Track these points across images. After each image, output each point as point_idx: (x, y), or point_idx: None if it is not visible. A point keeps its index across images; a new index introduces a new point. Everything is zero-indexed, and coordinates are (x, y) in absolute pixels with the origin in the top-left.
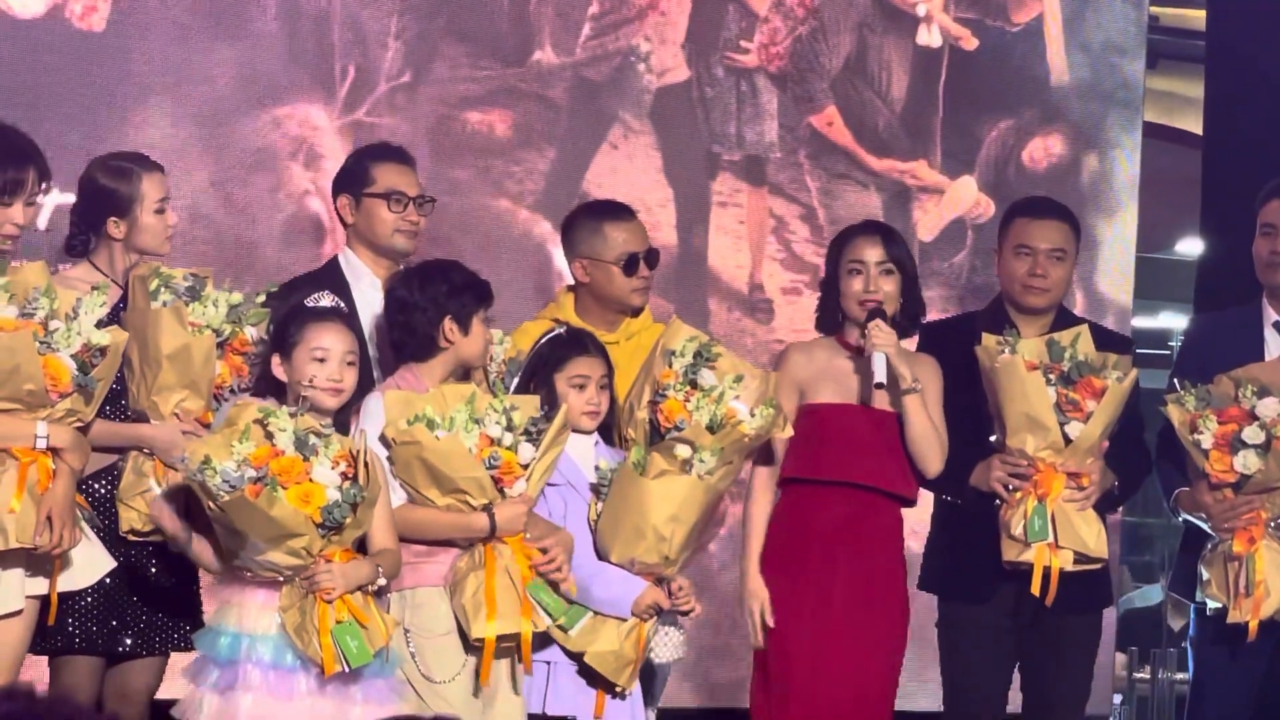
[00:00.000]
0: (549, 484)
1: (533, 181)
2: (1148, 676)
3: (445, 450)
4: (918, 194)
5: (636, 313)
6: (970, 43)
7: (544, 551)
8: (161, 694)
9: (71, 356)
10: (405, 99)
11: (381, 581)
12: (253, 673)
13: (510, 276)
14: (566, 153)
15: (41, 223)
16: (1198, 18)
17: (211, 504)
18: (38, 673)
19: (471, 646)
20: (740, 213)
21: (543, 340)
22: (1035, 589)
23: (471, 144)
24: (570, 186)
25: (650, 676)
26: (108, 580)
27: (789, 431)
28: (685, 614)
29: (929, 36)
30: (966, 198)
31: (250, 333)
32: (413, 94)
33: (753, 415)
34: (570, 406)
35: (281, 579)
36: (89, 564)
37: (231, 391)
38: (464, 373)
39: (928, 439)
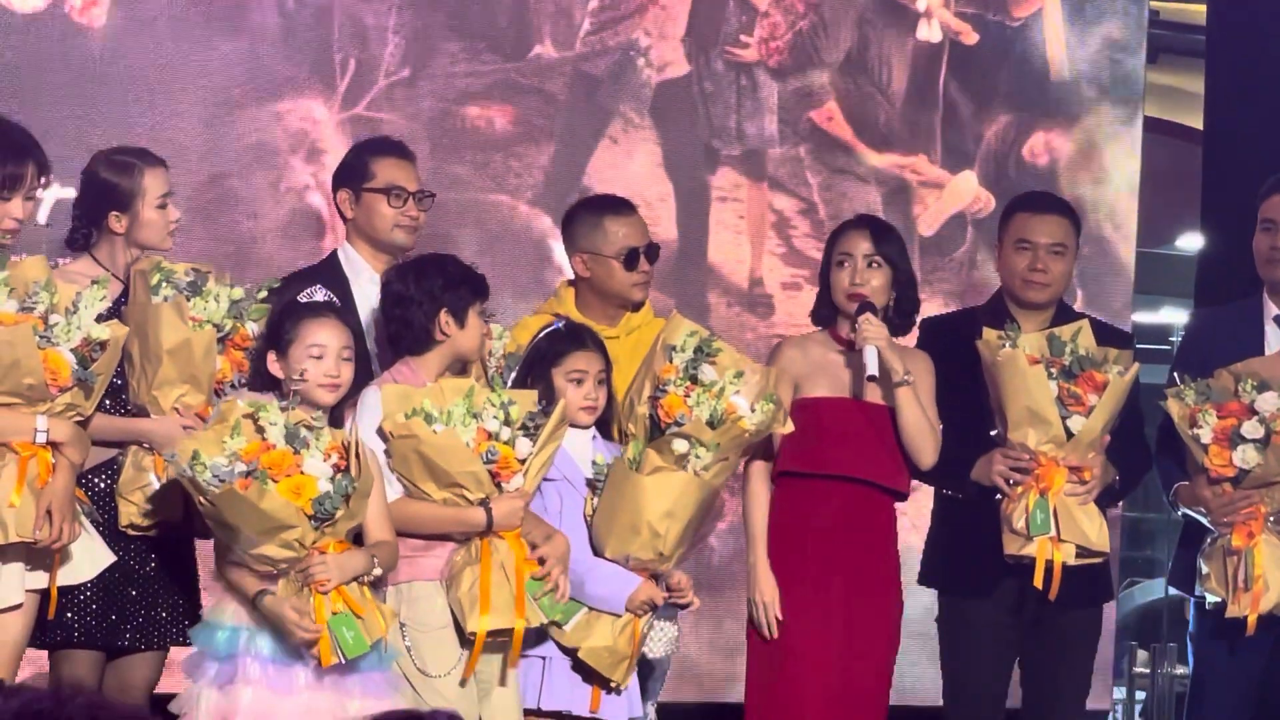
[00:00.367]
0: (545, 479)
1: (532, 176)
2: (1148, 671)
3: (442, 444)
4: (918, 189)
5: (637, 307)
6: (970, 37)
7: (541, 562)
8: (161, 688)
9: (71, 351)
10: (405, 94)
11: (377, 571)
12: (252, 666)
13: (510, 271)
14: (566, 147)
15: (41, 217)
16: (1198, 12)
17: (202, 499)
18: (37, 667)
19: (467, 641)
20: (740, 207)
21: (540, 335)
22: (1037, 583)
23: (471, 139)
24: (570, 181)
25: (647, 672)
26: (107, 574)
27: (789, 427)
28: (683, 608)
29: (929, 31)
30: (967, 193)
31: (251, 328)
32: (412, 88)
33: (753, 411)
34: (567, 401)
35: (275, 571)
36: (89, 558)
37: (232, 386)
38: (461, 367)
39: (921, 431)
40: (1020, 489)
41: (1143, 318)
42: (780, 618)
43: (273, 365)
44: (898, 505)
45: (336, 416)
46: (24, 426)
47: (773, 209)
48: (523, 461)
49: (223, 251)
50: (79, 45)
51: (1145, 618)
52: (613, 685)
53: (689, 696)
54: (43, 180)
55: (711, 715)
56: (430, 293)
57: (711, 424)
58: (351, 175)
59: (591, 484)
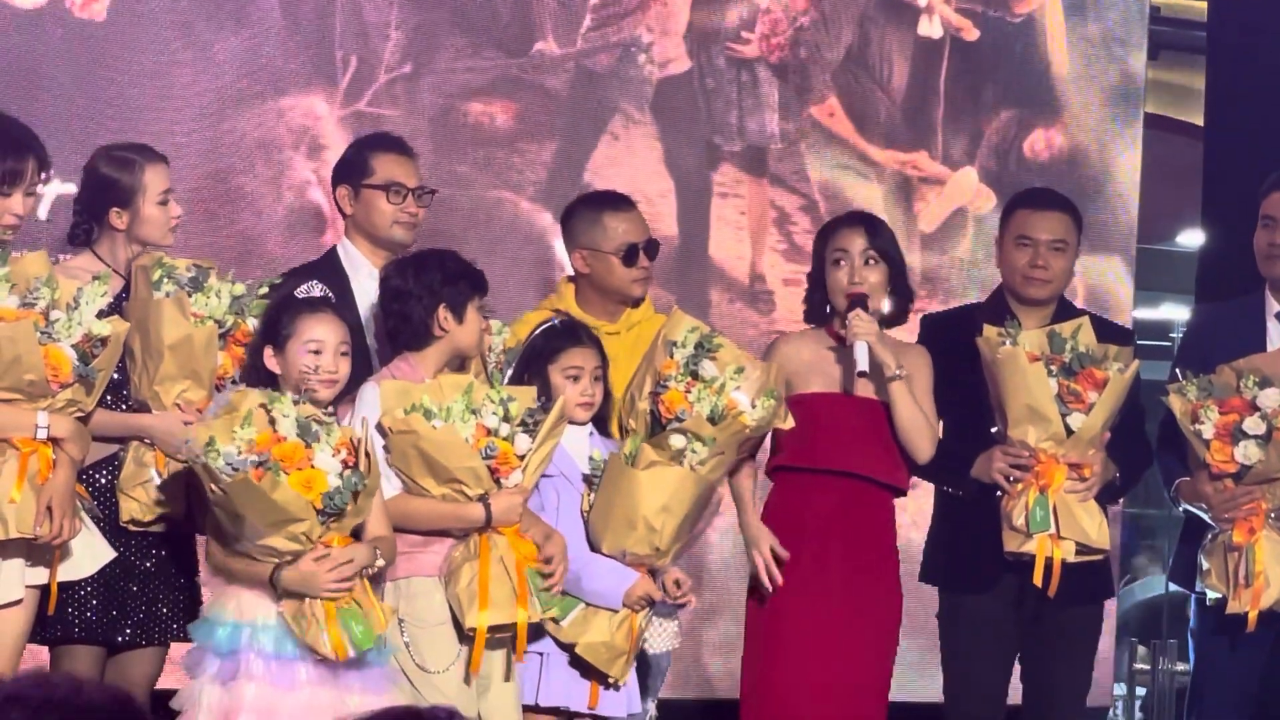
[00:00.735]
0: (543, 475)
1: (534, 172)
2: (1148, 667)
3: (442, 440)
4: (919, 185)
5: (637, 303)
6: (971, 34)
7: (548, 561)
8: (162, 683)
9: (72, 346)
10: (407, 89)
11: (381, 563)
12: (255, 662)
13: (511, 267)
14: (568, 143)
15: (42, 213)
16: (1199, 9)
17: (214, 486)
18: (38, 662)
19: (466, 636)
20: (741, 203)
21: (537, 331)
22: (1037, 580)
23: (473, 135)
24: (571, 177)
25: (647, 669)
26: (108, 570)
27: (790, 423)
28: (681, 607)
29: (930, 27)
30: (967, 189)
31: (253, 324)
32: (414, 84)
33: (754, 406)
34: (564, 398)
35: (279, 563)
36: (89, 554)
37: (233, 382)
38: (460, 363)
39: (916, 425)
40: (1020, 486)
41: (1143, 314)
42: (784, 556)
43: (269, 360)
44: (899, 502)
45: (331, 412)
46: (25, 422)
47: (774, 205)
48: (521, 458)
49: (224, 247)
50: (80, 41)
51: (1146, 614)
52: (610, 681)
53: (690, 694)
54: (43, 176)
55: (712, 712)
56: (429, 288)
57: (712, 420)
58: (351, 171)
59: (588, 480)
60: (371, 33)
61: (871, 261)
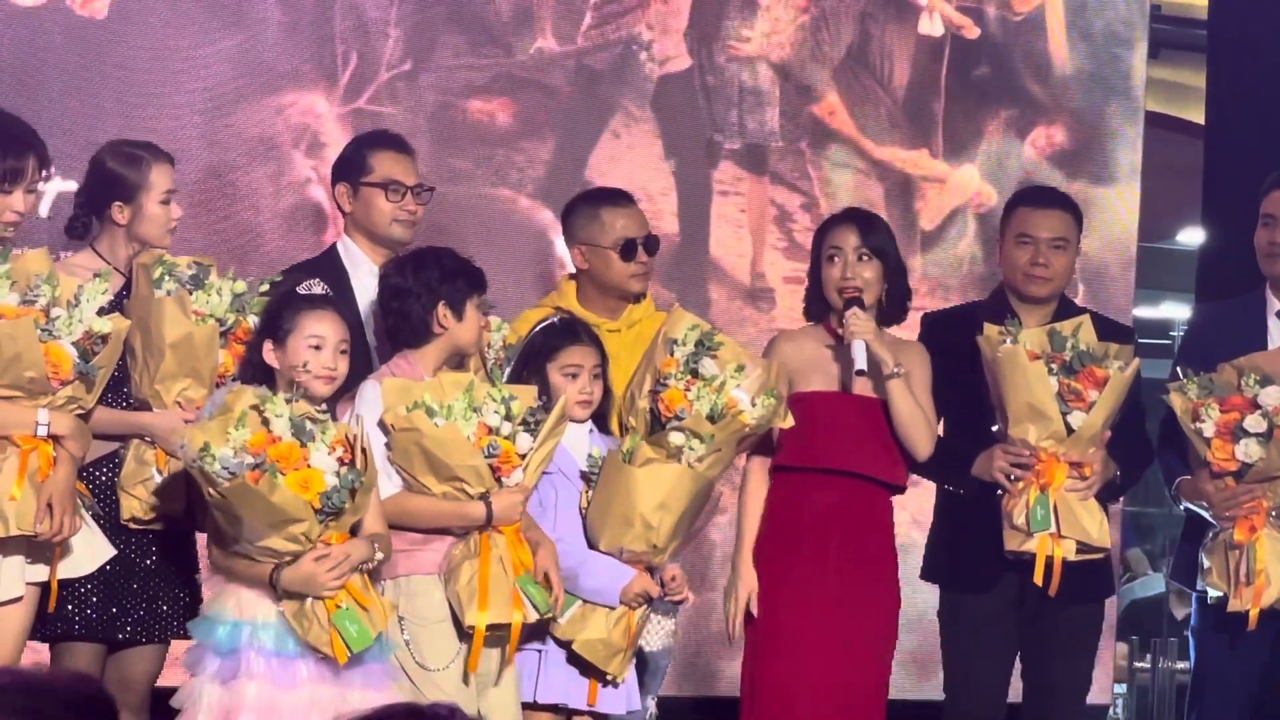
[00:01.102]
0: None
1: (534, 170)
2: (1148, 666)
3: (444, 438)
4: (919, 183)
5: (637, 299)
6: (972, 32)
7: (545, 576)
8: (162, 681)
9: (73, 344)
10: (407, 87)
11: (379, 557)
12: (256, 660)
13: (512, 265)
14: (568, 141)
15: (43, 210)
16: (1200, 7)
17: (212, 490)
18: (38, 660)
19: (465, 634)
20: (742, 201)
21: (536, 329)
22: (1038, 579)
23: (473, 132)
24: (572, 175)
25: (646, 666)
26: (108, 567)
27: (790, 421)
28: (678, 604)
29: (931, 25)
30: (968, 187)
31: (254, 321)
32: (414, 82)
33: (754, 405)
34: (565, 398)
35: (278, 563)
36: (90, 552)
37: (233, 380)
38: (459, 360)
39: (915, 422)
40: (1021, 485)
41: (1144, 312)
42: (755, 614)
43: (269, 355)
44: (900, 500)
45: (330, 410)
46: (25, 420)
47: (774, 203)
48: (523, 457)
49: (224, 245)
50: (80, 38)
51: (1146, 613)
52: (608, 678)
53: (690, 691)
54: (44, 174)
55: (713, 710)
56: (428, 285)
57: (712, 418)
58: (349, 169)
59: (586, 477)
60: (371, 30)
61: (865, 258)
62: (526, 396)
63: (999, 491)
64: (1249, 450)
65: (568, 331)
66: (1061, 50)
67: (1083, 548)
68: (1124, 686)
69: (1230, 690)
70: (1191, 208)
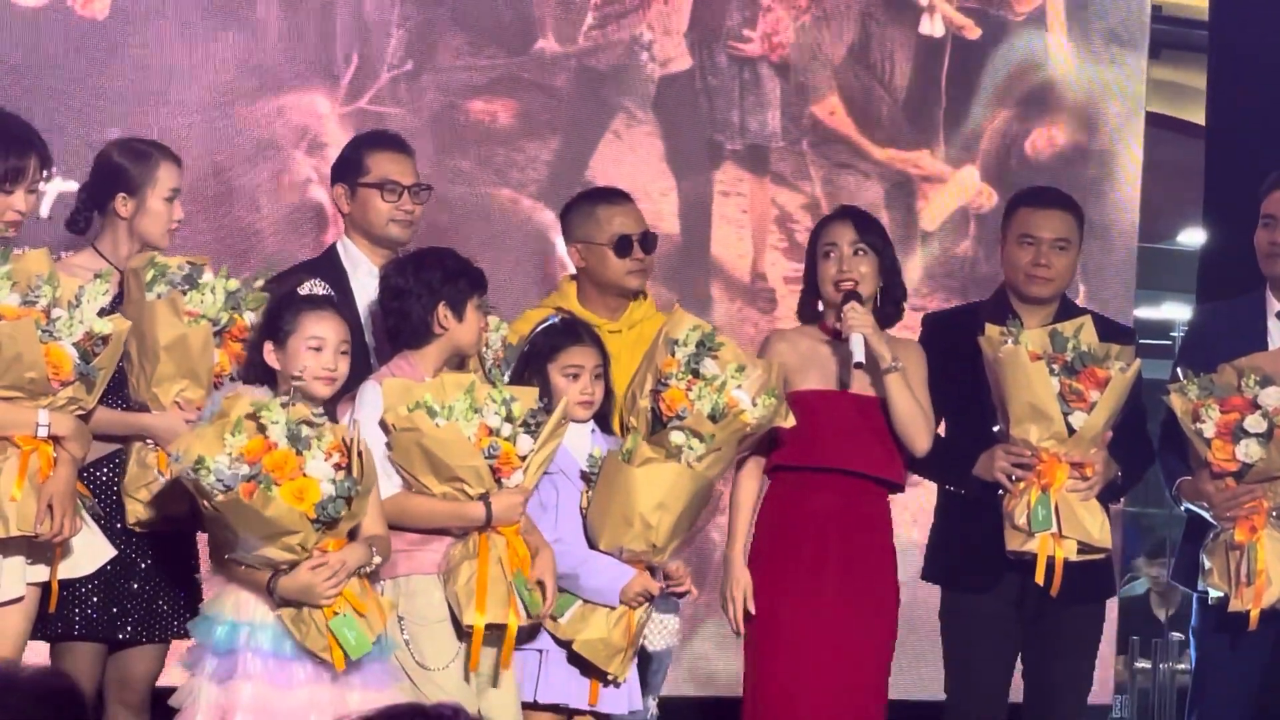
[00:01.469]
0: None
1: (535, 171)
2: (1149, 666)
3: (445, 438)
4: (920, 183)
5: (635, 296)
6: (973, 32)
7: (540, 584)
8: (162, 681)
9: (73, 345)
10: (408, 88)
11: (377, 560)
12: (252, 661)
13: (513, 265)
14: (569, 142)
15: (44, 211)
16: (1200, 7)
17: (206, 503)
18: (39, 659)
19: (465, 634)
20: (743, 202)
21: (537, 330)
22: (1039, 579)
23: (474, 133)
24: (573, 176)
25: (647, 665)
26: (108, 568)
27: (791, 421)
28: (681, 596)
29: (932, 26)
30: (969, 187)
31: (249, 318)
32: (416, 83)
33: (755, 405)
34: (566, 400)
35: (275, 572)
36: (90, 552)
37: (231, 379)
38: (459, 361)
39: (913, 418)
40: (1022, 485)
41: (1145, 313)
42: (752, 612)
43: (269, 356)
44: (901, 500)
45: (330, 411)
46: (26, 420)
47: (775, 203)
48: (523, 458)
49: (225, 245)
50: (81, 39)
51: (1147, 612)
52: (609, 678)
53: (692, 690)
54: (45, 174)
55: (714, 709)
56: (428, 286)
57: (713, 418)
58: (347, 170)
59: (586, 477)
60: (373, 31)
61: (860, 253)
62: (527, 398)
63: (1000, 492)
64: (1249, 451)
65: (569, 332)
66: (1062, 51)
67: (1084, 548)
68: (1125, 686)
69: (1231, 690)
70: (1192, 208)
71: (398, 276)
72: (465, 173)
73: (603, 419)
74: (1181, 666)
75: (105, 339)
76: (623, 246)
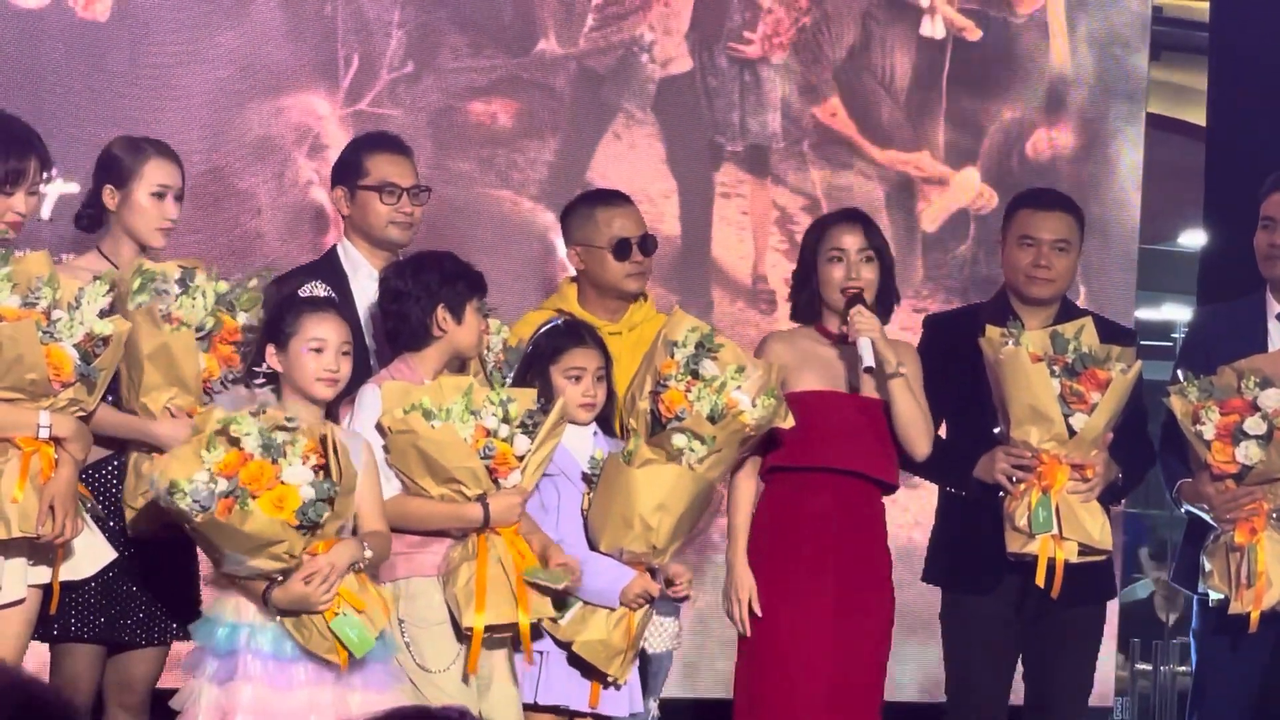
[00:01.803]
0: (544, 474)
1: (536, 172)
2: (1150, 668)
3: (440, 439)
4: (921, 185)
5: (634, 299)
6: (974, 33)
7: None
8: (163, 683)
9: (74, 346)
10: (409, 89)
11: (369, 554)
12: (252, 663)
13: (514, 267)
14: (570, 143)
15: (44, 213)
16: (1201, 9)
17: (187, 525)
18: (39, 661)
19: (465, 636)
20: (743, 203)
21: (539, 332)
22: (1040, 581)
23: (475, 134)
24: (573, 177)
25: (648, 668)
26: (109, 569)
27: (790, 422)
28: (680, 600)
29: (932, 27)
30: (970, 189)
31: (243, 318)
32: (416, 84)
33: (754, 406)
34: (565, 399)
35: (269, 584)
36: (91, 555)
37: (221, 383)
38: (460, 364)
39: (915, 422)
40: (1023, 487)
41: (1145, 314)
42: (758, 614)
43: (271, 359)
44: (902, 502)
45: (333, 413)
46: (27, 422)
47: (776, 205)
48: (521, 458)
49: (225, 246)
50: (82, 39)
51: (1148, 614)
52: (609, 679)
53: (693, 692)
54: (45, 176)
55: (714, 712)
56: (427, 288)
57: (712, 419)
58: (346, 172)
59: (588, 479)
60: (373, 32)
61: (868, 260)
62: (525, 399)
63: (1001, 493)
64: (1249, 452)
65: (571, 334)
66: (1063, 52)
67: (1085, 550)
68: (1126, 688)
69: (1231, 692)
70: (1193, 210)
71: (396, 279)
72: (466, 174)
73: (605, 421)
74: (1182, 668)
75: (106, 340)
76: (621, 249)
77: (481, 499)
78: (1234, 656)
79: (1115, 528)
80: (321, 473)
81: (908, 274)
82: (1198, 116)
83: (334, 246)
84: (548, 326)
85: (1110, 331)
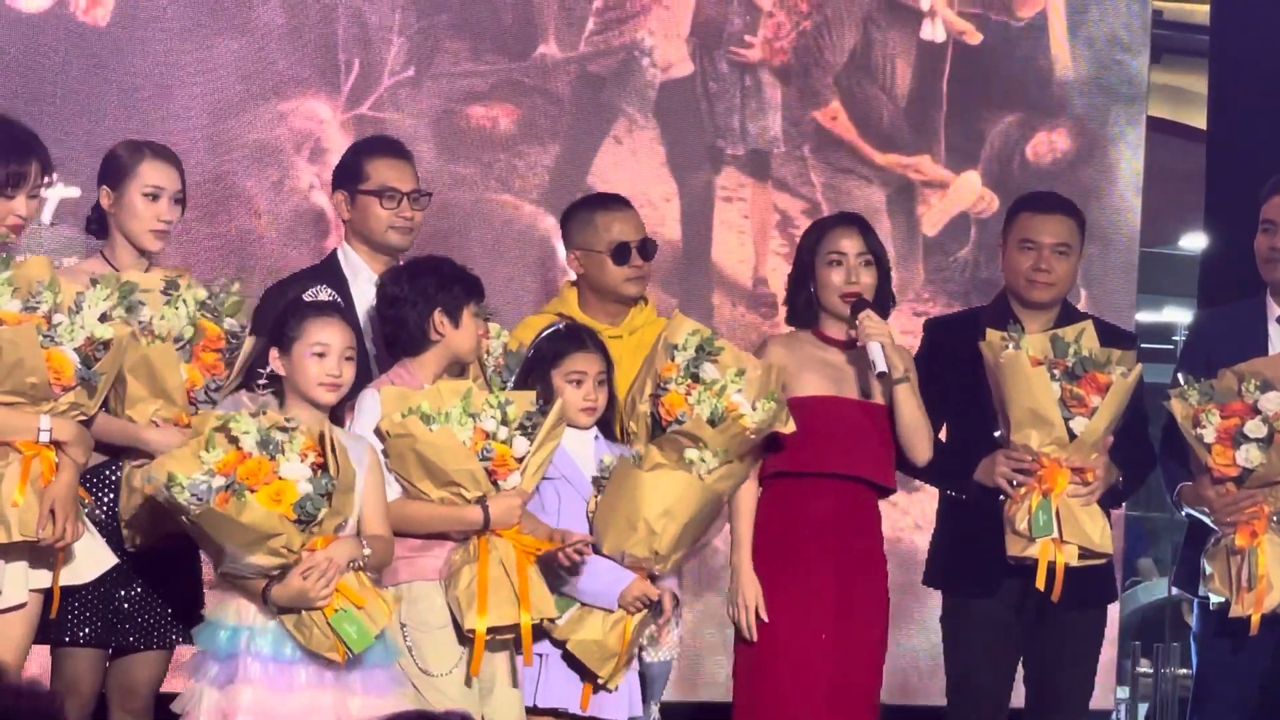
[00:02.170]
0: (544, 478)
1: (537, 176)
2: (1151, 671)
3: (438, 443)
4: (921, 189)
5: (633, 303)
6: (974, 37)
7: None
8: (167, 687)
9: (75, 350)
10: (409, 93)
11: (367, 552)
12: (252, 665)
13: (514, 271)
14: (570, 147)
15: (45, 217)
16: (1202, 12)
17: (184, 519)
18: (40, 665)
19: (467, 639)
20: (744, 207)
21: (541, 336)
22: (1040, 584)
23: (475, 139)
24: (574, 181)
25: (649, 674)
26: (111, 573)
27: (791, 427)
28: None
29: (933, 31)
30: (970, 192)
31: (229, 324)
32: (417, 88)
33: (754, 409)
34: (566, 403)
35: (268, 581)
36: (92, 559)
37: (205, 392)
38: (460, 369)
39: (919, 427)
40: (1023, 490)
41: (1146, 317)
42: (765, 619)
43: (275, 363)
44: (902, 505)
45: (336, 417)
46: (27, 425)
47: (776, 209)
48: (520, 460)
49: (225, 250)
50: (83, 44)
51: (1148, 618)
52: (600, 682)
53: (692, 696)
54: (46, 180)
55: (714, 715)
56: (424, 293)
57: (712, 422)
58: (347, 177)
59: (598, 483)
60: (374, 37)
61: (866, 264)
62: (523, 400)
63: (1001, 497)
64: (1249, 456)
65: (573, 338)
66: (1063, 56)
67: (1085, 553)
68: (1126, 691)
69: (1232, 696)
70: (1193, 213)
71: (392, 285)
72: (466, 178)
73: (606, 425)
74: (1183, 671)
75: (106, 344)
76: (620, 254)
77: (481, 501)
78: (1235, 659)
79: (1116, 531)
80: (319, 470)
81: (908, 277)
82: (1198, 120)
83: (334, 251)
84: (549, 330)
85: (1110, 335)
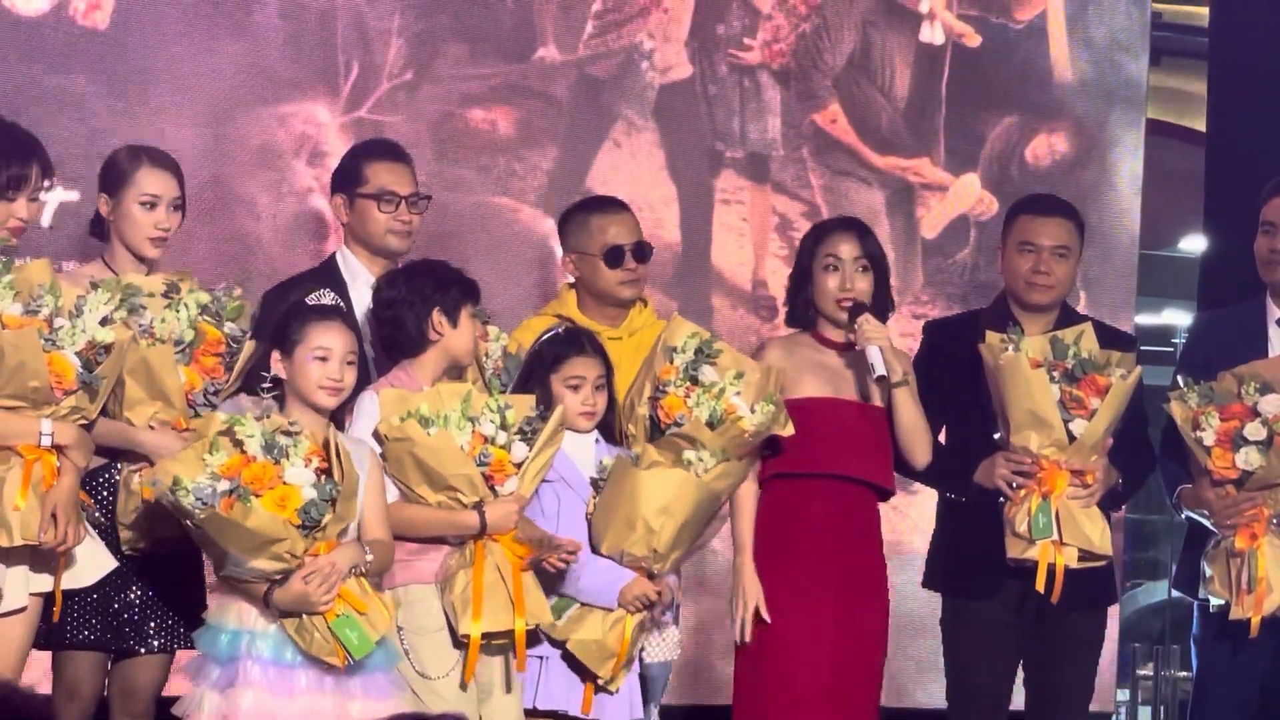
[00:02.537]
0: (544, 480)
1: (536, 179)
2: (1151, 674)
3: (436, 447)
4: (921, 191)
5: (629, 306)
6: (973, 40)
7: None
8: (169, 690)
9: (76, 353)
10: (408, 97)
11: (369, 558)
12: (253, 669)
13: (513, 274)
14: (569, 150)
15: (45, 220)
16: (1201, 14)
17: (189, 522)
18: (41, 668)
19: (463, 642)
20: (743, 210)
21: (540, 340)
22: (1040, 586)
23: (474, 142)
24: (573, 184)
25: (648, 676)
26: (112, 576)
27: (790, 429)
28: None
29: (932, 33)
30: (970, 195)
31: (229, 328)
32: (416, 91)
33: (753, 411)
34: (565, 407)
35: (270, 585)
36: (92, 563)
37: (204, 395)
38: (458, 372)
39: (918, 430)
40: (1023, 492)
41: (1146, 319)
42: (767, 620)
43: (276, 366)
44: (902, 507)
45: (338, 422)
46: (29, 429)
47: (775, 211)
48: (518, 465)
49: (225, 254)
50: (82, 48)
51: (1148, 620)
52: (600, 682)
53: (692, 698)
54: (46, 182)
55: (714, 717)
56: (422, 294)
57: (711, 424)
58: (345, 180)
59: (597, 484)
60: (373, 40)
61: (864, 268)
62: (523, 405)
63: (1001, 499)
64: (1249, 458)
65: (572, 342)
66: (1063, 58)
67: (1085, 555)
68: (1127, 694)
69: (1232, 698)
70: (1193, 215)
71: (389, 288)
72: (465, 181)
73: (607, 429)
74: (1183, 674)
75: (108, 348)
76: (614, 257)
77: (478, 506)
78: (1235, 662)
79: (1115, 533)
80: (324, 475)
81: (908, 280)
82: (1198, 122)
83: (333, 254)
84: (549, 334)
85: (1110, 337)
